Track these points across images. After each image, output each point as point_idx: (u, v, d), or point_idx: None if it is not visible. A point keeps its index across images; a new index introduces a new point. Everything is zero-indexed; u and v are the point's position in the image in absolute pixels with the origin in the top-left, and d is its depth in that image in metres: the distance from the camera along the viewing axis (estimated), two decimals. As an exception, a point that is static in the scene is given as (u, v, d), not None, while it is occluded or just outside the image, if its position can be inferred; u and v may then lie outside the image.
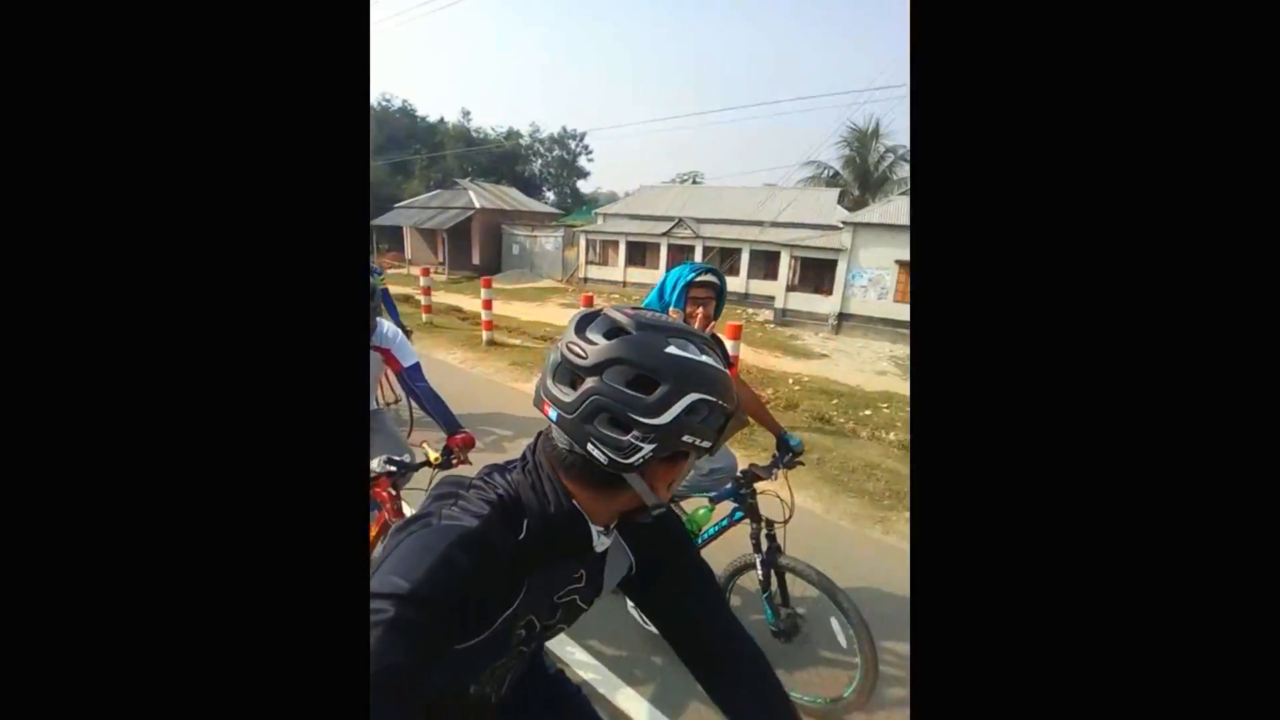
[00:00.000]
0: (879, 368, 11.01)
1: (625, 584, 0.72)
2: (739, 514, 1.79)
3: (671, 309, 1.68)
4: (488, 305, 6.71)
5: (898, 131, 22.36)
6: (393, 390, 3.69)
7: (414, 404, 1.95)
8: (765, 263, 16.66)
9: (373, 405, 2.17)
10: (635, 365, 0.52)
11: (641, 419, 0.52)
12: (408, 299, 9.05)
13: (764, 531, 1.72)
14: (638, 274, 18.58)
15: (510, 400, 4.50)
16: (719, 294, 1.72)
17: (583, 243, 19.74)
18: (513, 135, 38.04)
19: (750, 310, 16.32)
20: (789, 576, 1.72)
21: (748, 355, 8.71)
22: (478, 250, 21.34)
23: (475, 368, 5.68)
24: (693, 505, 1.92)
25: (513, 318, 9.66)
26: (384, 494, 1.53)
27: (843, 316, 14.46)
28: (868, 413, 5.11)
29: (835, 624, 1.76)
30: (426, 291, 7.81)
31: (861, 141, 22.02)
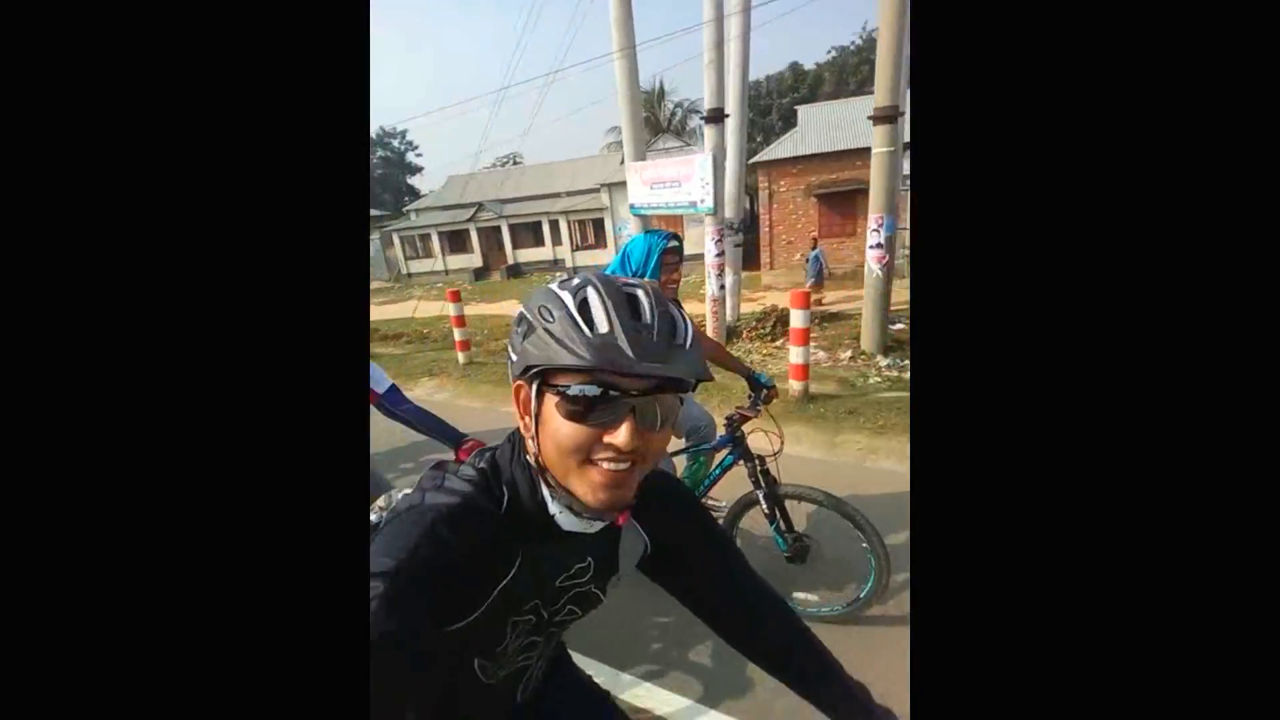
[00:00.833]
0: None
1: (644, 566, 0.71)
2: (730, 458, 1.88)
3: (647, 280, 1.65)
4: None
5: (681, 87, 24.85)
6: None
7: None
8: (556, 231, 18.78)
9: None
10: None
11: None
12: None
13: (759, 468, 1.80)
14: (456, 260, 20.01)
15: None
16: (680, 256, 1.81)
17: (397, 240, 20.71)
18: (333, 142, 36.84)
19: (551, 275, 18.42)
20: (789, 503, 1.83)
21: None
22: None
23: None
24: (683, 465, 2.06)
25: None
26: None
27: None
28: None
29: (844, 532, 1.79)
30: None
31: (651, 102, 24.46)
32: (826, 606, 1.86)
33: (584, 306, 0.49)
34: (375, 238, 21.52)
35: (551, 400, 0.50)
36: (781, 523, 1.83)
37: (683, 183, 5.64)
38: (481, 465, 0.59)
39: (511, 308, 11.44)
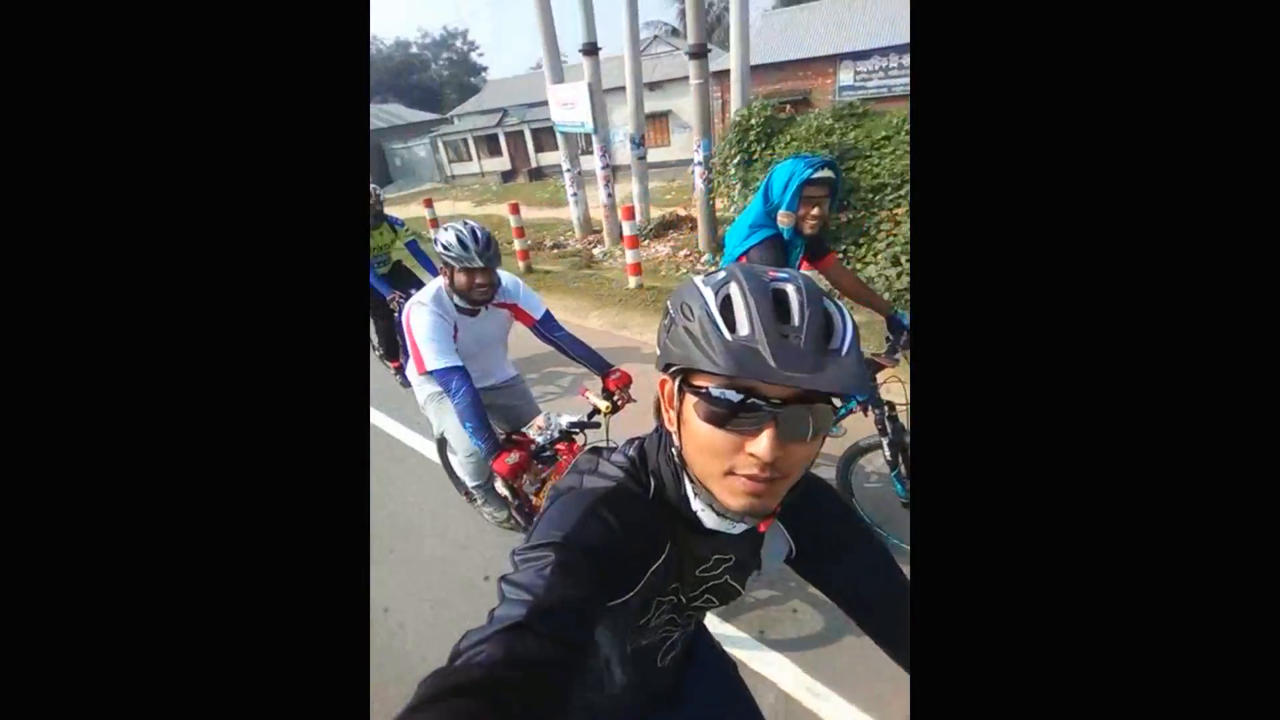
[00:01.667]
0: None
1: (791, 563, 0.72)
2: (854, 401, 1.80)
3: (782, 212, 1.54)
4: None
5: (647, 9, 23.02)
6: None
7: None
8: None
9: (510, 371, 1.98)
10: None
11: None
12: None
13: (887, 414, 1.76)
14: (491, 164, 22.16)
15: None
16: (834, 188, 1.54)
17: (441, 145, 23.03)
18: (401, 45, 38.75)
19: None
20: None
21: (531, 213, 9.65)
22: (373, 172, 24.59)
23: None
24: None
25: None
26: (567, 456, 1.63)
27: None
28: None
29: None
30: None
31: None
32: None
33: (725, 305, 0.48)
34: (425, 141, 24.03)
35: (691, 400, 0.50)
36: (903, 469, 1.80)
37: (576, 105, 6.79)
38: (631, 453, 0.63)
39: (529, 212, 10.58)
